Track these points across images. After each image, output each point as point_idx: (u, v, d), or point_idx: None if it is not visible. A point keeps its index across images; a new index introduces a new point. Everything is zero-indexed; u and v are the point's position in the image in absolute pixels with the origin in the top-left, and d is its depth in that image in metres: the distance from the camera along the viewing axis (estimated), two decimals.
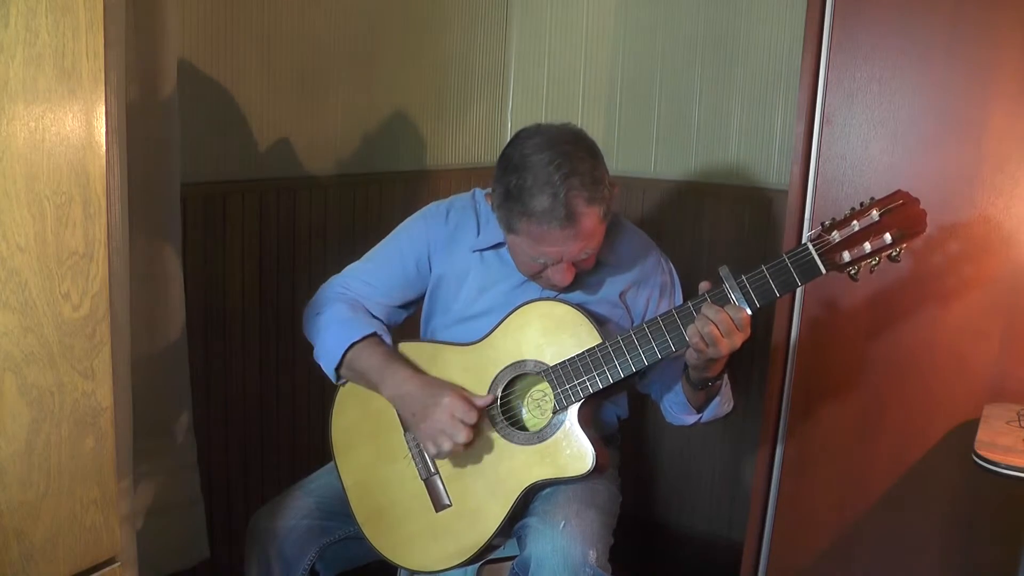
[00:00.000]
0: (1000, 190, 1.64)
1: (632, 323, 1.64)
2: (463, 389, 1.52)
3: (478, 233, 1.63)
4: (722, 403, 1.59)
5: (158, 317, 1.64)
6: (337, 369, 1.58)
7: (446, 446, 1.47)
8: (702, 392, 1.54)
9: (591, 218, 1.44)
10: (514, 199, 1.43)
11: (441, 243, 1.64)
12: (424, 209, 1.69)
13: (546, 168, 1.41)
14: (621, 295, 1.62)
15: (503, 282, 1.61)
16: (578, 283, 1.58)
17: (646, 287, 1.64)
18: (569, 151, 1.44)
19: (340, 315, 1.60)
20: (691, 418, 1.62)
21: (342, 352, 1.56)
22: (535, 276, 1.54)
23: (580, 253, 1.47)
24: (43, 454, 1.01)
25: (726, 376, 1.55)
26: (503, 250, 1.61)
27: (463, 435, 1.47)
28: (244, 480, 2.05)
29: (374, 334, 1.58)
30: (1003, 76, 1.61)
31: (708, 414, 1.61)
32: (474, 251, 1.62)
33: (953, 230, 1.66)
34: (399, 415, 1.56)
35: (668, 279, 1.67)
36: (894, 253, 1.34)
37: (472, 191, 1.69)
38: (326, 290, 1.66)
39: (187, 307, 1.70)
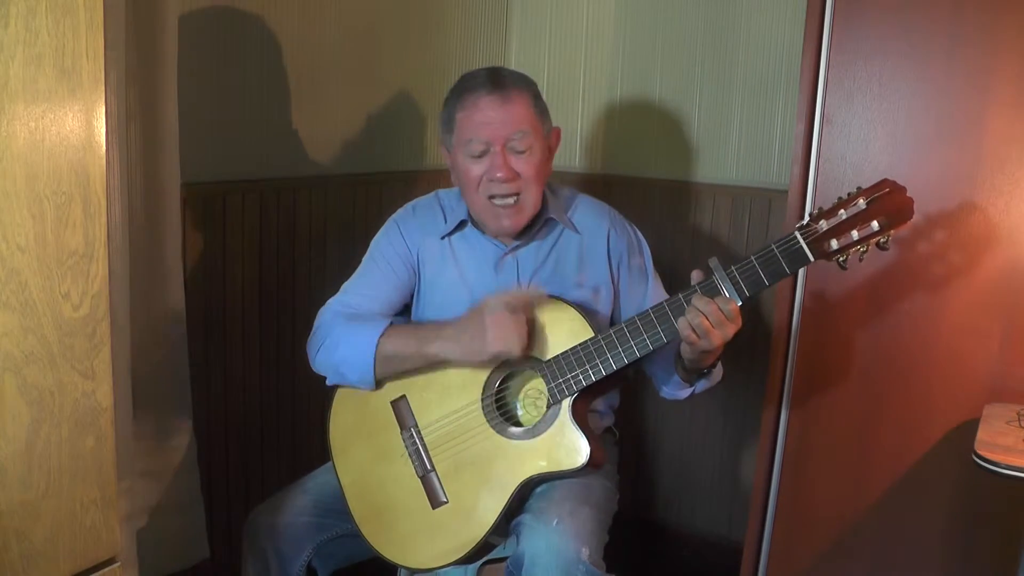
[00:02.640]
0: (1000, 190, 1.64)
1: (613, 284, 1.67)
2: (497, 296, 1.50)
3: (445, 220, 1.67)
4: (714, 377, 1.63)
5: (158, 317, 1.64)
6: (373, 371, 1.56)
7: (512, 346, 1.46)
8: (694, 374, 1.59)
9: (521, 99, 1.55)
10: (450, 95, 1.60)
11: (417, 236, 1.67)
12: (391, 216, 1.73)
13: (480, 70, 1.60)
14: (603, 260, 1.66)
15: (476, 269, 1.65)
16: (553, 257, 1.64)
17: (616, 248, 1.68)
18: (503, 67, 1.63)
19: (347, 329, 1.57)
20: (684, 392, 1.66)
21: (372, 353, 1.53)
22: (479, 189, 1.56)
23: (514, 132, 1.52)
24: (43, 454, 1.01)
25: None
26: (467, 231, 1.66)
27: (521, 326, 1.46)
28: (244, 480, 2.05)
29: (390, 324, 1.57)
30: (1003, 76, 1.61)
31: (701, 386, 1.65)
32: (442, 237, 1.66)
33: (953, 229, 1.66)
34: (459, 360, 1.52)
35: (633, 237, 1.71)
36: (882, 240, 1.36)
37: (435, 192, 1.75)
38: (322, 316, 1.64)
39: (187, 307, 1.70)
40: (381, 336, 1.54)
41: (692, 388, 1.64)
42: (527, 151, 1.54)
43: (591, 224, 1.68)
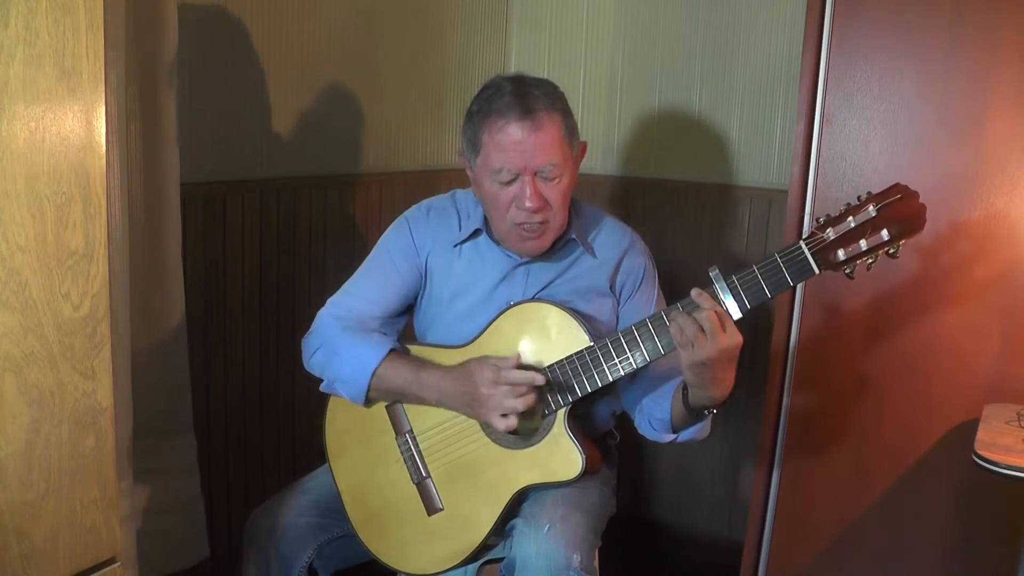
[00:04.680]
0: (1000, 190, 1.64)
1: (616, 309, 1.64)
2: (490, 361, 1.48)
3: (460, 228, 1.64)
4: (703, 429, 1.55)
5: (158, 317, 1.64)
6: (365, 396, 1.56)
7: (503, 423, 1.44)
8: (691, 415, 1.48)
9: (552, 125, 1.48)
10: (476, 112, 1.52)
11: (429, 240, 1.64)
12: (404, 214, 1.69)
13: (505, 83, 1.52)
14: (606, 284, 1.62)
15: (484, 277, 1.62)
16: (565, 277, 1.60)
17: (629, 275, 1.64)
18: (527, 76, 1.55)
19: (346, 343, 1.56)
20: (667, 437, 1.58)
21: (367, 380, 1.53)
22: (507, 214, 1.51)
23: (545, 164, 1.47)
24: (43, 454, 1.01)
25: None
26: (480, 240, 1.62)
27: (520, 403, 1.43)
28: (244, 480, 2.05)
29: (391, 351, 1.55)
30: (1003, 76, 1.61)
31: (685, 436, 1.56)
32: (454, 246, 1.63)
33: (953, 230, 1.66)
34: (457, 411, 1.53)
35: (648, 265, 1.67)
36: (892, 250, 1.29)
37: (452, 192, 1.71)
38: (322, 319, 1.63)
39: (187, 307, 1.70)
40: (379, 366, 1.52)
41: (675, 436, 1.55)
42: (557, 179, 1.50)
43: (608, 250, 1.63)
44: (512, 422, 1.45)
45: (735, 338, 1.33)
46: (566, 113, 1.53)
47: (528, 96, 1.48)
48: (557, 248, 1.60)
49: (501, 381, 1.44)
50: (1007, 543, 1.61)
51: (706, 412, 1.46)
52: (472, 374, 1.48)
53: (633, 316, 1.58)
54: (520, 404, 1.43)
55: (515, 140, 1.46)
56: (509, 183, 1.49)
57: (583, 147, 1.59)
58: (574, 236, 1.60)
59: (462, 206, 1.67)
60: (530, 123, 1.46)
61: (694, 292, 1.36)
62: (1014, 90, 1.61)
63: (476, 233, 1.62)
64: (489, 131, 1.49)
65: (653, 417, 1.57)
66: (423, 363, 1.55)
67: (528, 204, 1.48)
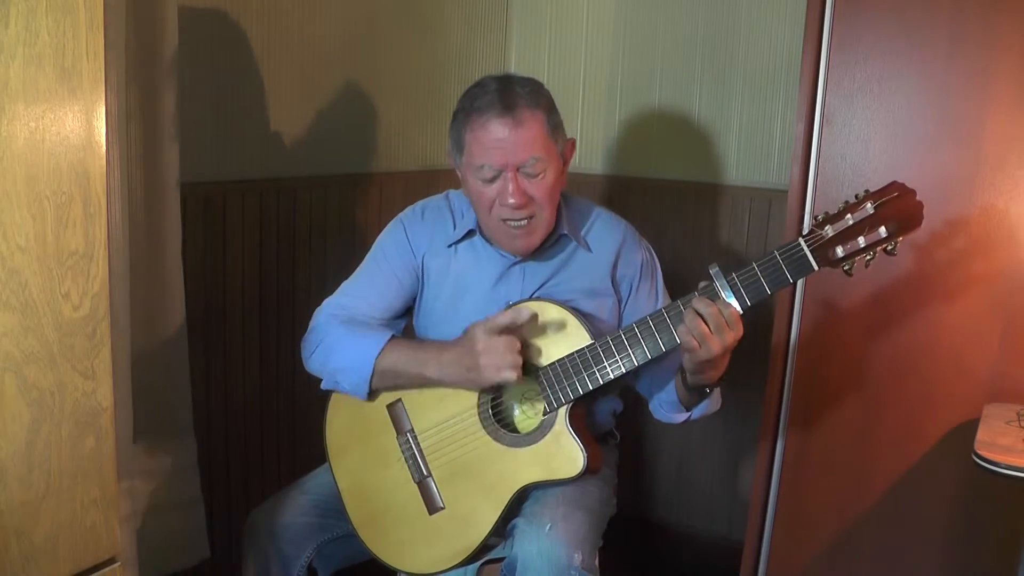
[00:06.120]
0: (1000, 190, 1.64)
1: (620, 306, 1.64)
2: (483, 323, 1.48)
3: (454, 227, 1.64)
4: (712, 403, 1.59)
5: (158, 317, 1.64)
6: (368, 384, 1.55)
7: (507, 374, 1.44)
8: (695, 393, 1.53)
9: (534, 121, 1.48)
10: (460, 111, 1.53)
11: (425, 241, 1.64)
12: (399, 215, 1.69)
13: (491, 82, 1.52)
14: (606, 279, 1.62)
15: (481, 277, 1.62)
16: (562, 274, 1.61)
17: (624, 270, 1.64)
18: (515, 76, 1.55)
19: (346, 335, 1.57)
20: (680, 416, 1.62)
21: (371, 367, 1.53)
22: (492, 211, 1.52)
23: (527, 159, 1.47)
24: (43, 454, 1.01)
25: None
26: (475, 239, 1.62)
27: (511, 352, 1.44)
28: (244, 480, 2.05)
29: (391, 338, 1.56)
30: (1003, 76, 1.61)
31: (697, 412, 1.61)
32: (449, 246, 1.63)
33: (953, 230, 1.66)
34: (458, 384, 1.52)
35: (647, 257, 1.67)
36: (890, 247, 1.31)
37: (445, 192, 1.71)
38: (319, 318, 1.63)
39: (187, 307, 1.70)
40: (381, 351, 1.52)
41: (689, 414, 1.60)
42: (540, 174, 1.49)
43: (604, 244, 1.64)
44: (513, 375, 1.43)
45: (738, 333, 1.37)
46: (550, 110, 1.53)
47: (510, 94, 1.48)
48: (549, 245, 1.61)
49: (492, 328, 1.44)
50: (1007, 543, 1.61)
51: (707, 390, 1.52)
52: (467, 335, 1.48)
53: (638, 313, 1.59)
54: (510, 359, 1.43)
55: (496, 137, 1.47)
56: (492, 180, 1.50)
57: (571, 144, 1.59)
58: (566, 231, 1.60)
59: (456, 206, 1.67)
60: (510, 119, 1.46)
61: (695, 298, 1.38)
62: (1014, 90, 1.61)
63: (470, 233, 1.63)
64: (471, 129, 1.49)
65: (663, 401, 1.62)
66: (421, 342, 1.58)
67: (510, 200, 1.48)
